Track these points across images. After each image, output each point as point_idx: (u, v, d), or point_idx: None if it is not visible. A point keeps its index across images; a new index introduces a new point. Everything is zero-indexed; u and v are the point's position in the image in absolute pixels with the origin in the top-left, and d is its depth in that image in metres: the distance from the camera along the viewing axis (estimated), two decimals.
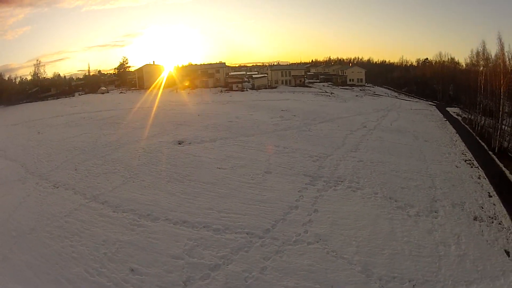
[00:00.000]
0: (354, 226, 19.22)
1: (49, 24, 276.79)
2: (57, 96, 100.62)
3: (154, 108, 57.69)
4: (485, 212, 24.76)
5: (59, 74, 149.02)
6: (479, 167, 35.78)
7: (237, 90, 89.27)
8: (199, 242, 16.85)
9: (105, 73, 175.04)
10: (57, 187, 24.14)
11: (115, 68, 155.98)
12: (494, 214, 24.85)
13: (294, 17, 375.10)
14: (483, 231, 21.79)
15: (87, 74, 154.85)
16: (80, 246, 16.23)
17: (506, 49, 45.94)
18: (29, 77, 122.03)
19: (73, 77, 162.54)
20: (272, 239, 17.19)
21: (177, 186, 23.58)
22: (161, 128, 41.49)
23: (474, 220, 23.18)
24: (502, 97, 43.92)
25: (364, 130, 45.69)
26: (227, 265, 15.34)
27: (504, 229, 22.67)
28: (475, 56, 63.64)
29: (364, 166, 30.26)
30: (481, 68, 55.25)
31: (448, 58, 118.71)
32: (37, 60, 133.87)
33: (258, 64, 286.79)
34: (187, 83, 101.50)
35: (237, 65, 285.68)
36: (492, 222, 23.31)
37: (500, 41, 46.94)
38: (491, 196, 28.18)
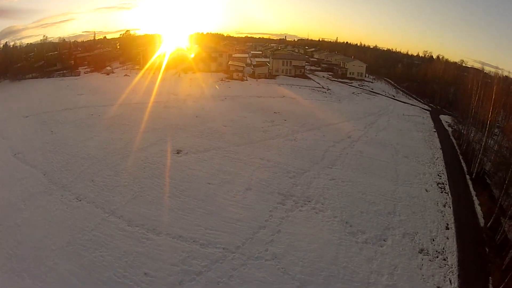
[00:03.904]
0: (305, 249, 26.79)
1: None
2: (62, 72, 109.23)
3: (157, 104, 66.48)
4: (434, 245, 28.78)
5: (64, 39, 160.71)
6: (449, 193, 39.27)
7: (237, 79, 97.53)
8: (189, 254, 25.40)
9: (111, 38, 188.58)
10: (80, 200, 32.31)
11: (120, 34, 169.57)
12: (443, 248, 28.56)
13: None
14: (423, 265, 26.06)
15: (93, 39, 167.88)
16: (108, 256, 24.79)
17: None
18: (33, 40, 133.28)
19: (78, 40, 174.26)
20: (240, 254, 25.66)
21: (175, 202, 32.10)
22: (163, 133, 50.03)
23: (419, 252, 27.42)
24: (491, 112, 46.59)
25: (347, 141, 52.70)
26: (207, 272, 23.86)
27: (446, 266, 26.53)
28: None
29: (334, 185, 37.55)
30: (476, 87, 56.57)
31: (453, 60, 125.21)
32: (44, 36, 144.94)
33: (265, 37, 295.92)
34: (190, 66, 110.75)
35: (243, 36, 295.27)
36: (437, 257, 27.29)
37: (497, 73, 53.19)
38: (448, 229, 31.69)
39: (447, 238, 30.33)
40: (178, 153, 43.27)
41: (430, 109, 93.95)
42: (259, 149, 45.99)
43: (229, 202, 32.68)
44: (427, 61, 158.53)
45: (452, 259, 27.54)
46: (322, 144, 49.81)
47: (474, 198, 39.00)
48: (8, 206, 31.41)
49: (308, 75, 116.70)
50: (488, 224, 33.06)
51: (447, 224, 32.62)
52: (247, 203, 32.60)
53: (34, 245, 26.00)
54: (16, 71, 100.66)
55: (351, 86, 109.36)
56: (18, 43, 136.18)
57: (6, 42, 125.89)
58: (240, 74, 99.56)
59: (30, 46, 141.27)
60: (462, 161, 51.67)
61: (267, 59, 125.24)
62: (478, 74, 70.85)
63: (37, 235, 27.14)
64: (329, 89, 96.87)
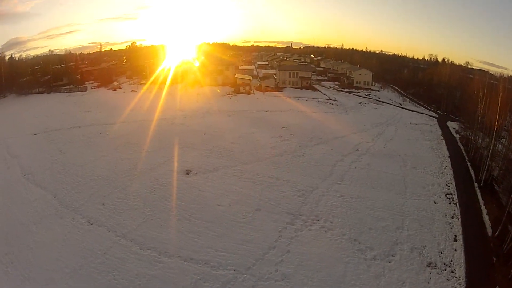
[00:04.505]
0: (314, 268, 27.66)
1: None
2: (69, 86, 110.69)
3: (164, 122, 67.65)
4: (442, 258, 29.50)
5: (70, 51, 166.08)
6: (457, 204, 39.85)
7: (244, 93, 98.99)
8: (201, 276, 26.31)
9: (117, 49, 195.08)
10: (91, 224, 33.36)
11: (126, 46, 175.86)
12: (451, 261, 29.25)
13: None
14: (431, 279, 26.78)
15: (99, 50, 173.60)
16: (121, 279, 25.80)
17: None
18: (39, 52, 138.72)
19: (84, 52, 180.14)
20: (251, 275, 26.49)
21: (185, 224, 33.04)
22: (170, 152, 51.06)
23: (427, 266, 28.17)
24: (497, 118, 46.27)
25: (355, 154, 53.47)
26: None
27: (454, 278, 27.23)
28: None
29: (342, 202, 38.22)
30: (483, 91, 56.60)
31: (459, 62, 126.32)
32: (50, 50, 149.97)
33: (271, 45, 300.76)
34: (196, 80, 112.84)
35: (249, 45, 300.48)
36: (445, 269, 28.01)
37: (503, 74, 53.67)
38: (456, 240, 32.33)
39: (455, 250, 31.00)
40: (187, 173, 44.15)
41: (437, 116, 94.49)
42: (267, 166, 46.74)
43: (238, 223, 33.49)
44: (432, 65, 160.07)
45: (460, 271, 28.22)
46: (330, 159, 50.50)
47: (482, 207, 39.60)
48: (20, 228, 32.65)
49: (315, 85, 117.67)
50: (496, 233, 33.58)
51: (455, 236, 33.30)
52: (257, 224, 33.39)
53: (47, 268, 27.07)
54: (22, 86, 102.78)
55: (358, 96, 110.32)
56: (23, 55, 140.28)
57: (12, 54, 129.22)
58: (247, 88, 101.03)
59: (35, 58, 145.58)
60: (470, 168, 52.32)
61: (274, 70, 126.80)
62: (483, 76, 70.47)
63: (50, 258, 28.24)
64: (336, 100, 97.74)
